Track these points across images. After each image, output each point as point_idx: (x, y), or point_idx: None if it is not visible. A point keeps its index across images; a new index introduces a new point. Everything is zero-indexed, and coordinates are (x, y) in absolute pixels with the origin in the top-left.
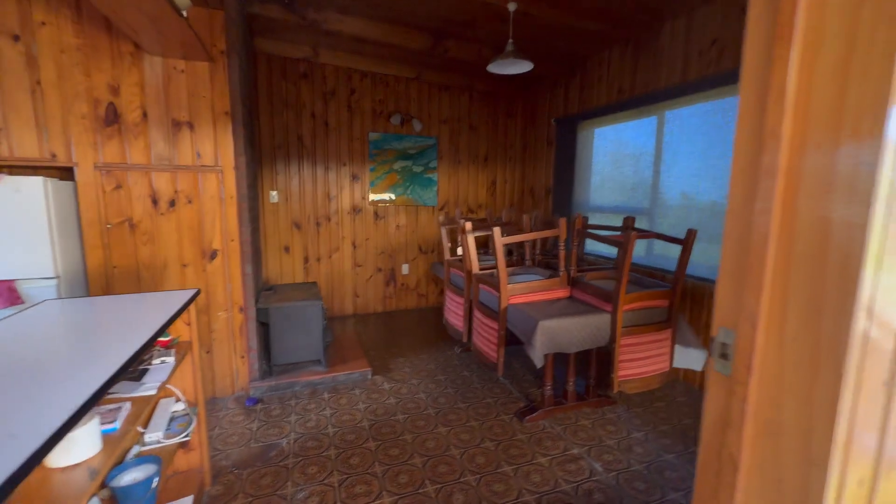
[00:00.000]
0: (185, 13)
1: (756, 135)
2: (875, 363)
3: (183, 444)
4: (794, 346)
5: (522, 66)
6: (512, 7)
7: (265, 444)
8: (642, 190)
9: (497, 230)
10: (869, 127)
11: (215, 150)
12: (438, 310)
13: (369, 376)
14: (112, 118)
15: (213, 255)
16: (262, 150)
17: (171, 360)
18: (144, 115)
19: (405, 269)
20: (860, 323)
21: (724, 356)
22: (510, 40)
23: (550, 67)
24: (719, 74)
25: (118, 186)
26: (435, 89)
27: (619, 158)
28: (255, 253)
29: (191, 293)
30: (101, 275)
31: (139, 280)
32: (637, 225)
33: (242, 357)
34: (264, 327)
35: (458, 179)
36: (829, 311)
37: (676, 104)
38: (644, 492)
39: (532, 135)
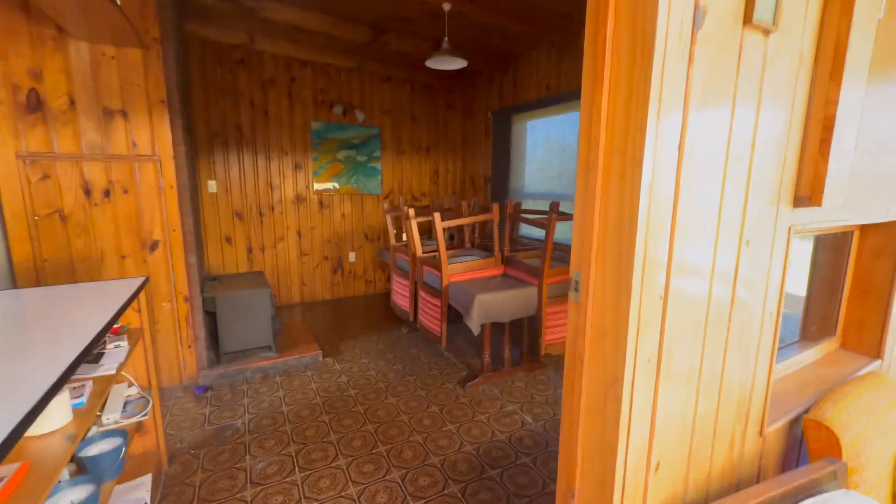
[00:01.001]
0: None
1: (587, 141)
2: (651, 284)
3: (139, 428)
4: (610, 279)
5: (457, 63)
6: (447, 7)
7: (219, 426)
8: (568, 177)
9: (437, 215)
10: (640, 138)
11: (152, 140)
12: (386, 295)
13: (320, 359)
14: (35, 105)
15: (154, 246)
16: (197, 139)
17: (125, 344)
18: (72, 102)
19: (352, 256)
20: (639, 262)
21: (576, 290)
22: (445, 38)
23: (486, 63)
24: None
25: (45, 176)
26: (377, 80)
27: (549, 149)
28: (197, 243)
29: (139, 280)
30: (29, 268)
31: (73, 273)
32: (563, 209)
33: (189, 347)
34: (211, 317)
35: (402, 169)
36: (625, 256)
37: None
38: None
39: (471, 126)
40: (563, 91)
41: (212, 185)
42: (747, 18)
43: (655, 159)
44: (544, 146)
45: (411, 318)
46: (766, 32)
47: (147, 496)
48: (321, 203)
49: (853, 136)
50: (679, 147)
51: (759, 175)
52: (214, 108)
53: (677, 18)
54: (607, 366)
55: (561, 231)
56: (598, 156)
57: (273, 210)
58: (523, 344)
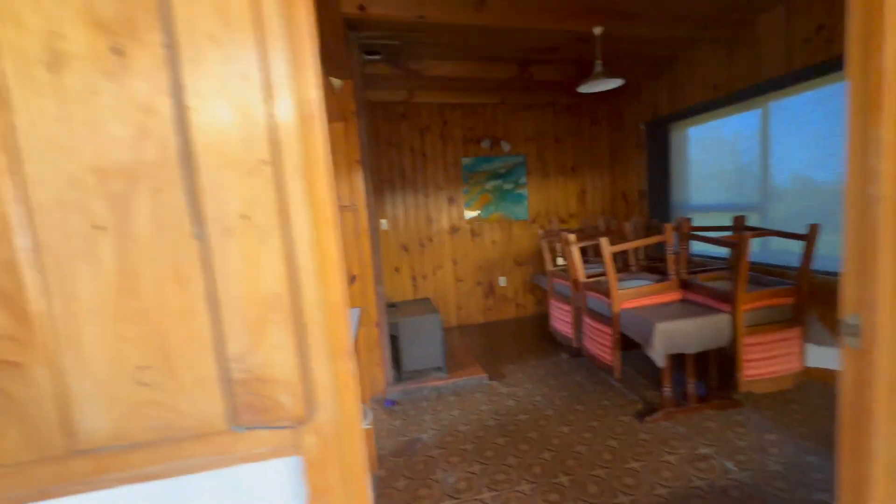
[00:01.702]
0: (336, 88)
1: (864, 121)
2: None
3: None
4: None
5: (612, 84)
6: (598, 31)
7: (410, 438)
8: (750, 185)
9: (604, 240)
10: None
11: (351, 193)
12: (536, 319)
13: (485, 381)
14: None
15: (353, 280)
16: (373, 183)
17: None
18: None
19: (502, 281)
20: None
21: (854, 335)
22: (598, 61)
23: (633, 74)
24: (831, 60)
25: None
26: (519, 110)
27: (720, 155)
28: (380, 275)
29: (358, 310)
30: None
31: None
32: (749, 221)
33: (378, 365)
34: (392, 339)
35: (548, 192)
36: None
37: (781, 95)
38: (785, 490)
39: (619, 140)
40: (737, 90)
41: (383, 224)
42: None
43: None
44: (712, 153)
45: (574, 345)
46: None
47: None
48: (472, 232)
49: None
50: None
51: None
52: (384, 157)
53: None
54: None
55: (753, 248)
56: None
57: (431, 241)
58: (710, 377)
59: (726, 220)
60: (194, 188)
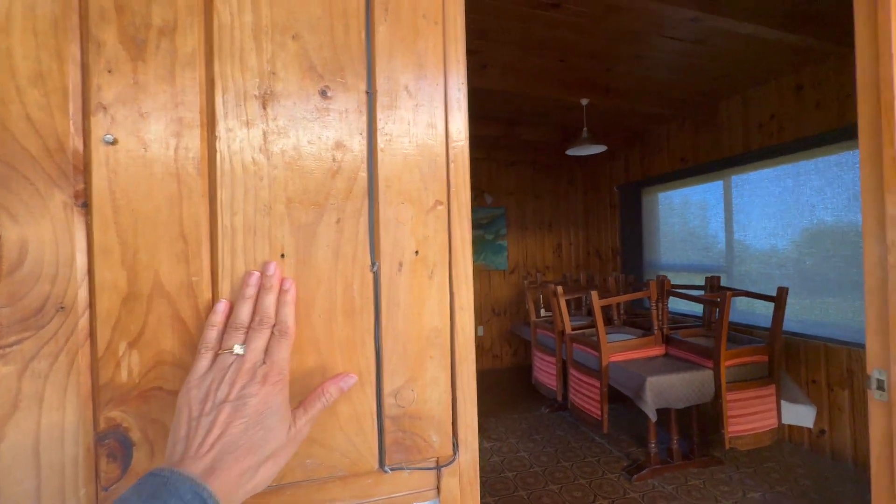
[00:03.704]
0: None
1: (877, 199)
2: None
3: None
4: None
5: (597, 149)
6: (584, 101)
7: None
8: (715, 248)
9: (594, 294)
10: None
11: None
12: (514, 370)
13: None
14: None
15: None
16: None
17: None
18: None
19: (480, 331)
20: None
21: (881, 388)
22: (585, 128)
23: (610, 141)
24: (782, 144)
25: None
26: (503, 165)
27: (688, 220)
28: None
29: None
30: None
31: None
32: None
33: None
34: None
35: (526, 244)
36: None
37: (741, 170)
38: None
39: (594, 200)
40: (702, 163)
41: None
42: None
43: None
44: (681, 217)
45: (559, 398)
46: None
47: None
48: None
49: None
50: None
51: None
52: None
53: None
54: None
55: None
56: None
57: None
58: (693, 434)
59: (695, 280)
60: (375, 222)
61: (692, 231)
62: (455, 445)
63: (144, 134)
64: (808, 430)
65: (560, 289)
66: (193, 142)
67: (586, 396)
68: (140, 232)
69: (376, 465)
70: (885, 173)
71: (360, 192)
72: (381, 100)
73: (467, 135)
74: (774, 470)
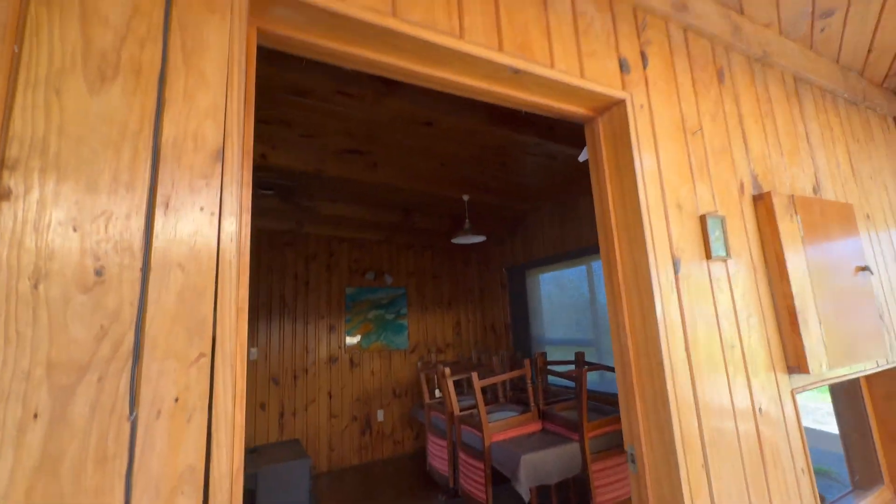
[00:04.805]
0: None
1: (622, 366)
2: (692, 449)
3: None
4: (658, 452)
5: (477, 239)
6: (466, 197)
7: None
8: (585, 324)
9: (475, 374)
10: (659, 370)
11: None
12: (415, 456)
13: None
14: None
15: None
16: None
17: None
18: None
19: (380, 415)
20: (678, 439)
21: (633, 461)
22: (467, 220)
23: (497, 227)
24: None
25: None
26: (403, 248)
27: (563, 298)
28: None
29: None
30: None
31: None
32: (587, 355)
33: None
34: (250, 494)
35: (426, 323)
36: (666, 433)
37: (598, 258)
38: None
39: (487, 280)
40: (569, 249)
41: (253, 353)
42: (708, 255)
43: (672, 361)
44: (557, 296)
45: (451, 484)
46: (724, 260)
47: None
48: (352, 362)
49: (814, 315)
50: (686, 349)
51: (752, 356)
52: (263, 282)
53: (664, 269)
54: None
55: (590, 378)
56: (631, 370)
57: (307, 372)
58: None
59: (572, 354)
60: (138, 377)
61: (567, 308)
62: None
63: None
64: None
65: (447, 370)
66: None
67: (473, 480)
68: None
69: None
70: (614, 289)
71: (126, 353)
72: (154, 273)
73: (238, 303)
74: None
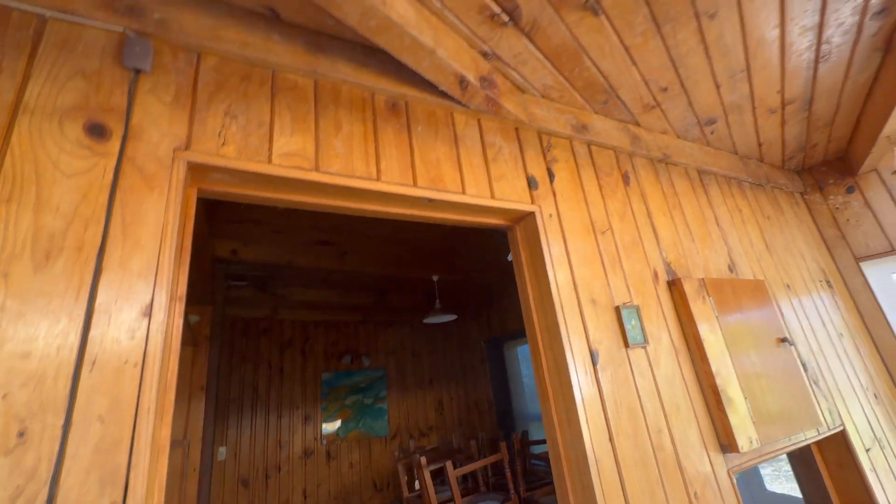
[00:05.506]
0: (192, 323)
1: (541, 392)
2: None
3: None
4: None
5: (448, 318)
6: (435, 278)
7: None
8: None
9: (449, 464)
10: (584, 464)
11: (186, 424)
12: None
13: None
14: None
15: None
16: (217, 407)
17: None
18: None
19: None
20: None
21: None
22: (437, 300)
23: (471, 302)
24: None
25: None
26: (381, 326)
27: None
28: None
29: None
30: None
31: None
32: None
33: None
34: None
35: (408, 405)
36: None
37: None
38: None
39: (468, 355)
40: None
41: (222, 452)
42: (626, 344)
43: (596, 454)
44: None
45: None
46: (643, 347)
47: None
48: (329, 454)
49: (738, 391)
50: (610, 440)
51: (682, 440)
52: (236, 373)
53: (581, 362)
54: None
55: None
56: (562, 464)
57: (280, 470)
58: None
59: None
60: None
61: None
62: None
63: None
64: None
65: (423, 460)
66: None
67: None
68: None
69: None
70: (542, 385)
71: None
72: (75, 429)
73: (160, 442)
74: None
